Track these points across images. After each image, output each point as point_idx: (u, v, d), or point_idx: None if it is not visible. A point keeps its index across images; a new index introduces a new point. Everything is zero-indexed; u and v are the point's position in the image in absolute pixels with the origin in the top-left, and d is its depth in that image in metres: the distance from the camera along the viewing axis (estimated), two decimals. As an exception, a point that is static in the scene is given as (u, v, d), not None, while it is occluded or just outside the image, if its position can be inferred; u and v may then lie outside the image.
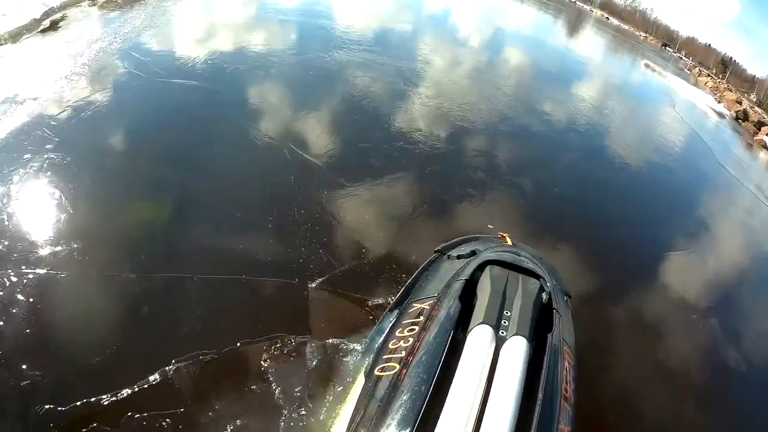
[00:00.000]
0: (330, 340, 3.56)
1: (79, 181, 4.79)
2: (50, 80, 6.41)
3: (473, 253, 3.35)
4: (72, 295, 3.79)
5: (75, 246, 4.12)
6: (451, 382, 2.20)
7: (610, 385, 4.60)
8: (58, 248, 4.07)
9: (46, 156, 4.99)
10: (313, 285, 4.29)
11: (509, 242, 3.93)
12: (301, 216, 5.26)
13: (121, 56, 7.42)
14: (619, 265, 6.68)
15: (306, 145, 6.71)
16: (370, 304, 4.16)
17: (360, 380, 2.55)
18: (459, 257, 3.37)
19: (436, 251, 3.73)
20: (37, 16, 8.12)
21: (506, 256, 3.09)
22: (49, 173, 4.79)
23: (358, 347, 3.35)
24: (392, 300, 3.48)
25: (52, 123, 5.55)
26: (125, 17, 9.21)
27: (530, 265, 3.05)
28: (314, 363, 3.39)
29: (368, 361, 2.64)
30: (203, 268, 4.25)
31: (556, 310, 2.73)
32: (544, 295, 2.81)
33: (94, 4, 9.53)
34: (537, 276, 2.95)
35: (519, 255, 3.24)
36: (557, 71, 18.72)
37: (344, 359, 3.36)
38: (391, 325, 2.89)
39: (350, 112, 8.26)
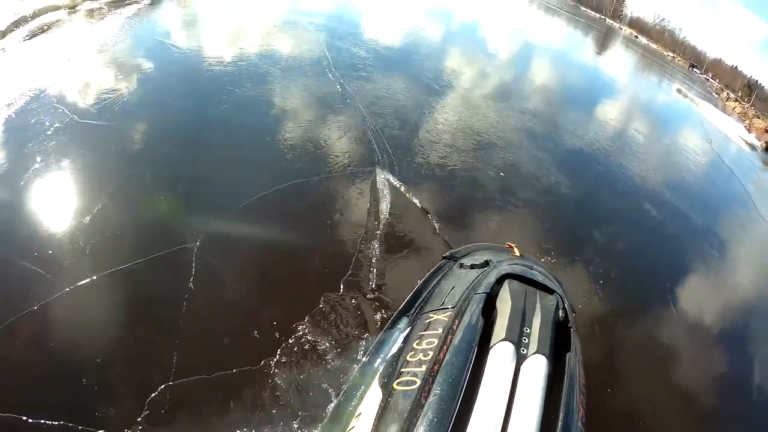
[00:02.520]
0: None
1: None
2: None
3: (486, 263, 3.23)
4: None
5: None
6: (474, 399, 2.11)
7: (618, 408, 4.44)
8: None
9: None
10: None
11: (517, 253, 3.83)
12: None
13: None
14: (630, 292, 6.27)
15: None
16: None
17: (375, 392, 2.36)
18: (473, 266, 3.24)
19: (444, 257, 3.61)
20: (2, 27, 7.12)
21: (524, 271, 3.00)
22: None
23: (370, 353, 3.05)
24: (401, 305, 3.24)
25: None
26: (100, 30, 8.22)
27: (547, 282, 2.96)
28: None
29: (382, 371, 2.48)
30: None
31: (573, 329, 2.67)
32: (560, 313, 2.72)
33: (74, 12, 8.61)
34: (552, 291, 2.87)
35: (533, 269, 3.14)
36: (586, 92, 17.73)
37: (347, 362, 3.29)
38: (405, 334, 2.75)
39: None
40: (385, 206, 5.47)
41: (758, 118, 41.29)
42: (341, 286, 4.24)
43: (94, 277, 3.81)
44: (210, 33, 9.46)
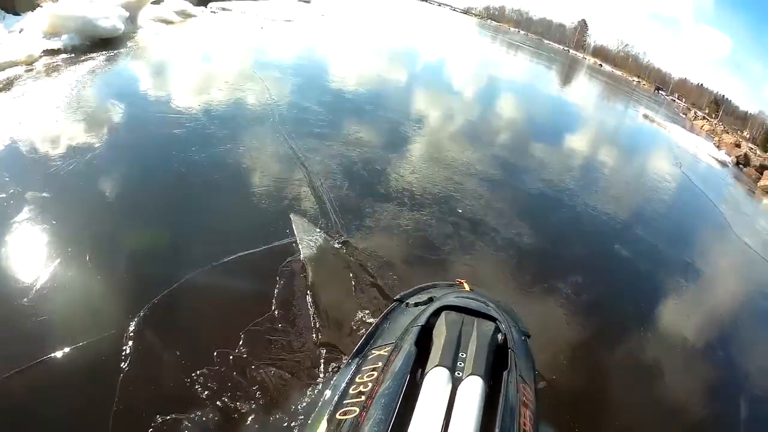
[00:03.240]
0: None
1: None
2: None
3: (430, 299, 3.30)
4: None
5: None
6: (409, 423, 2.15)
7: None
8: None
9: None
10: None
11: (467, 288, 3.90)
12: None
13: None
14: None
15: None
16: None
17: (323, 425, 2.42)
18: (416, 305, 3.32)
19: (395, 300, 3.69)
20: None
21: (461, 301, 3.05)
22: None
23: (324, 394, 3.13)
24: (354, 348, 3.22)
25: None
26: (55, 89, 7.82)
27: (485, 309, 2.98)
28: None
29: (330, 407, 2.52)
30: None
31: (512, 350, 2.67)
32: (500, 336, 2.73)
33: (31, 69, 8.22)
34: (492, 318, 2.89)
35: (475, 300, 3.18)
36: (551, 128, 17.28)
37: (310, 406, 3.34)
38: (352, 371, 2.81)
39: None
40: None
41: (727, 133, 41.55)
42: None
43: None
44: (158, 92, 8.99)
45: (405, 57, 21.45)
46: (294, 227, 5.62)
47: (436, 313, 2.90)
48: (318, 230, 5.71)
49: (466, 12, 78.67)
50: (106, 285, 4.30)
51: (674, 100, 60.94)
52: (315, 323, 4.32)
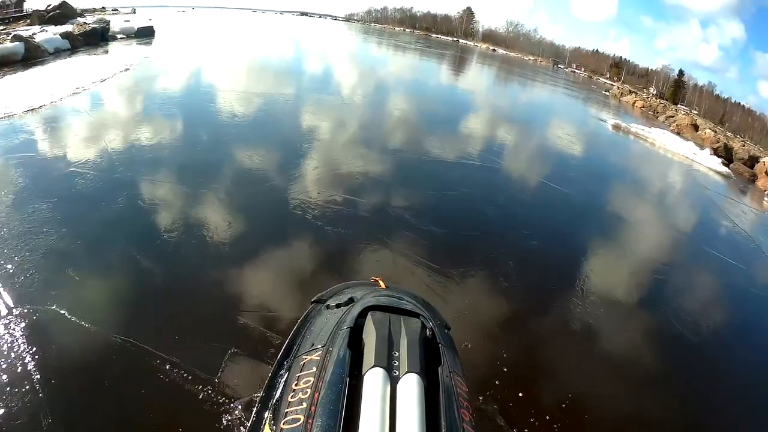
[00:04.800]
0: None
1: None
2: None
3: (351, 300, 3.12)
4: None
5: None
6: (356, 425, 2.07)
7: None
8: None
9: None
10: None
11: (383, 285, 3.71)
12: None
13: None
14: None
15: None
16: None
17: None
18: (338, 306, 3.12)
19: (312, 302, 3.48)
20: None
21: (384, 300, 2.90)
22: None
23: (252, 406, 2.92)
24: (277, 355, 3.06)
25: None
26: None
27: (408, 306, 2.87)
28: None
29: (269, 416, 2.45)
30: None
31: (441, 344, 2.60)
32: (428, 332, 2.65)
33: None
34: (416, 314, 2.78)
35: (396, 297, 3.00)
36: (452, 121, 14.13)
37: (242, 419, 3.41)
38: (284, 379, 2.64)
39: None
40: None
41: (669, 106, 37.63)
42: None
43: None
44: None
45: (287, 76, 17.28)
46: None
47: (362, 314, 2.73)
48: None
49: (348, 20, 73.43)
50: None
51: (574, 71, 58.05)
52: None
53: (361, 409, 2.12)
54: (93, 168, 6.72)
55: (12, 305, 4.12)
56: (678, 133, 24.65)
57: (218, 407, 3.49)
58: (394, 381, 2.27)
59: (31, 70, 11.42)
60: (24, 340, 3.83)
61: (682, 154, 18.34)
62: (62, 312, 4.11)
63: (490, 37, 65.86)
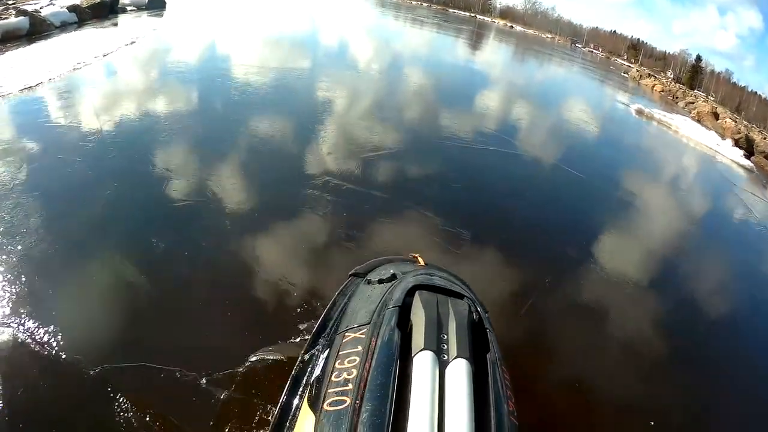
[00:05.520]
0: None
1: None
2: None
3: (394, 276, 3.06)
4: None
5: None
6: (406, 411, 2.00)
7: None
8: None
9: None
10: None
11: (422, 262, 3.67)
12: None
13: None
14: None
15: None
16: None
17: (307, 416, 2.17)
18: (380, 281, 3.04)
19: (350, 275, 3.44)
20: None
21: (431, 280, 2.86)
22: None
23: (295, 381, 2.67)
24: (315, 327, 2.95)
25: None
26: None
27: (455, 287, 2.83)
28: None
29: (310, 394, 2.27)
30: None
31: (489, 329, 2.56)
32: (474, 315, 2.59)
33: None
34: (463, 297, 2.74)
35: (441, 277, 3.01)
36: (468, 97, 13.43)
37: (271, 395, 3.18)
38: (324, 356, 2.54)
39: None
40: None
41: (686, 90, 36.27)
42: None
43: None
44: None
45: (301, 50, 16.47)
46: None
47: (410, 293, 2.68)
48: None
49: (362, -7, 71.66)
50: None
51: (591, 51, 56.55)
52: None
53: (410, 393, 2.04)
54: (81, 155, 6.08)
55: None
56: (698, 121, 23.87)
57: (246, 382, 3.36)
58: (443, 365, 2.19)
59: (34, 45, 10.78)
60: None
61: (705, 144, 17.66)
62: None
63: (507, 13, 64.14)
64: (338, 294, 3.23)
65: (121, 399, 3.15)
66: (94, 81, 9.10)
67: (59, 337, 3.48)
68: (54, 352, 3.39)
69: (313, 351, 2.77)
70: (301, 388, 2.53)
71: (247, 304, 4.17)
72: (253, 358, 3.54)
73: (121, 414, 3.07)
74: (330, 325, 2.89)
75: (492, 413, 2.04)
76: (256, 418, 3.15)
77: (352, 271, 3.43)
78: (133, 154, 6.34)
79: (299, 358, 2.83)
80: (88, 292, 4.01)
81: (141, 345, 3.56)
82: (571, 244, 6.57)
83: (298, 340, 3.76)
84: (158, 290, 4.13)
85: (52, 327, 3.53)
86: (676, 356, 5.06)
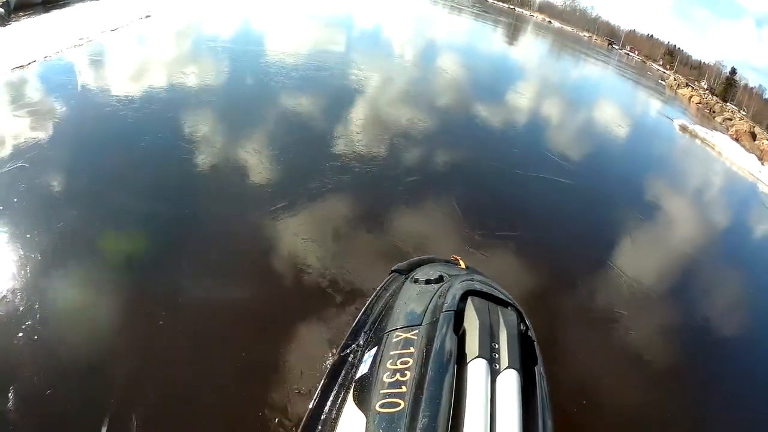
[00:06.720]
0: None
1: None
2: None
3: (441, 278, 2.92)
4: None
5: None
6: (462, 418, 1.92)
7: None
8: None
9: None
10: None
11: (463, 265, 3.58)
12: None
13: None
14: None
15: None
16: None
17: (354, 415, 2.06)
18: (428, 282, 2.90)
19: (392, 271, 3.30)
20: None
21: (482, 287, 2.75)
22: None
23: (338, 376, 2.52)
24: (354, 322, 2.83)
25: None
26: None
27: (503, 296, 2.77)
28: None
29: (357, 393, 2.14)
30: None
31: (535, 341, 2.50)
32: (522, 326, 2.52)
33: None
34: (511, 305, 2.67)
35: (487, 284, 2.93)
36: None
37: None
38: (372, 353, 2.39)
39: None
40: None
41: (723, 105, 34.76)
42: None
43: None
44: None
45: (343, 28, 16.74)
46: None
47: (463, 298, 2.57)
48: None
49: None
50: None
51: (628, 54, 55.17)
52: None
53: (466, 401, 1.99)
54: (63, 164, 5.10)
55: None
56: (737, 140, 23.14)
57: (279, 375, 3.25)
58: (494, 374, 2.15)
59: (45, 15, 10.05)
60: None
61: (747, 170, 17.03)
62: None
63: (546, 8, 62.67)
64: (380, 289, 3.11)
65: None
66: (89, 62, 8.08)
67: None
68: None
69: (354, 346, 2.67)
70: (343, 384, 2.42)
71: (277, 291, 4.07)
72: (284, 346, 3.45)
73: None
74: (372, 321, 2.80)
75: (540, 426, 2.01)
76: (288, 408, 3.07)
77: (395, 267, 3.32)
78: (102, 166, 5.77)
79: (338, 351, 2.72)
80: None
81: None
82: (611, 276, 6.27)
83: (331, 332, 3.66)
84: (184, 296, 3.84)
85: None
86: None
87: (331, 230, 4.98)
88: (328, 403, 2.36)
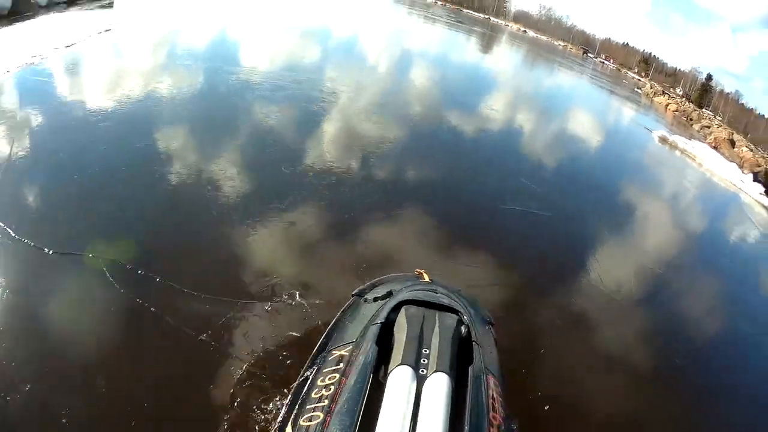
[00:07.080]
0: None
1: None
2: None
3: (390, 293, 2.97)
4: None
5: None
6: (374, 426, 1.94)
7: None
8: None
9: None
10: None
11: (427, 278, 3.55)
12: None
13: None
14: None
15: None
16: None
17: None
18: (375, 299, 2.99)
19: (353, 295, 3.35)
20: None
21: (421, 295, 2.75)
22: None
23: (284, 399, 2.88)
24: (314, 348, 2.84)
25: None
26: None
27: (446, 301, 2.72)
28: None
29: (295, 411, 2.23)
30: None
31: (475, 342, 2.47)
32: (463, 329, 2.50)
33: None
34: (454, 311, 2.63)
35: (434, 292, 2.90)
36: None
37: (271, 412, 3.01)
38: (313, 373, 2.52)
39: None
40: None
41: (705, 116, 34.57)
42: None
43: None
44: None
45: (315, 41, 15.80)
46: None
47: (396, 309, 2.61)
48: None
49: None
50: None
51: (603, 62, 55.17)
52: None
53: (381, 408, 1.99)
54: None
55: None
56: (715, 148, 22.58)
57: (252, 401, 3.10)
58: (420, 380, 2.14)
59: (8, 28, 9.01)
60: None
61: (729, 181, 16.30)
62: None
63: (521, 18, 62.67)
64: (339, 313, 3.15)
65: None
66: (31, 84, 6.90)
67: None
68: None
69: (307, 370, 2.70)
70: (293, 405, 2.40)
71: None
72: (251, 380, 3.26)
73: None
74: (322, 343, 2.84)
75: (467, 426, 1.93)
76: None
77: (355, 291, 3.33)
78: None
79: (299, 376, 2.75)
80: None
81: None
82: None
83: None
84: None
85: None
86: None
87: (288, 255, 4.65)
88: (282, 427, 2.32)
